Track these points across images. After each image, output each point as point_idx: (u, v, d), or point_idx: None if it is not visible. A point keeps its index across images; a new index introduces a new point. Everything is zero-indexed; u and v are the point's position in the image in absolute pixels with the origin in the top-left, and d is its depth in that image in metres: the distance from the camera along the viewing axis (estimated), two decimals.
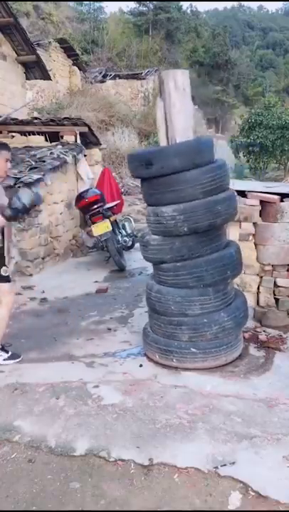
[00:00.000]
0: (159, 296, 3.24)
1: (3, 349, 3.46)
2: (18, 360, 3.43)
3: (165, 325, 3.27)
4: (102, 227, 5.99)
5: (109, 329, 4.16)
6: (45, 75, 11.41)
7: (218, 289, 3.21)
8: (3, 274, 3.35)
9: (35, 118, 8.41)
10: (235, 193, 3.45)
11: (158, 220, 3.15)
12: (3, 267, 3.37)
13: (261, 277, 4.08)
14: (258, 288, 4.10)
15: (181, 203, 3.05)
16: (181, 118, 3.18)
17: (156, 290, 3.28)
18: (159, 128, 3.26)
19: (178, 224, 3.06)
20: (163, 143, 3.26)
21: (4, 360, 3.39)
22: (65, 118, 8.00)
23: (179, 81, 3.17)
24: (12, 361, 3.40)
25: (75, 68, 18.48)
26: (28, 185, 4.76)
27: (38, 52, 11.18)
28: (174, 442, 2.39)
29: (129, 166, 3.34)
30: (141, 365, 3.33)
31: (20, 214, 3.31)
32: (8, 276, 3.40)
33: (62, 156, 6.87)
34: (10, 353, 3.45)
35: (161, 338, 3.30)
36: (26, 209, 3.35)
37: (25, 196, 3.33)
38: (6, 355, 3.42)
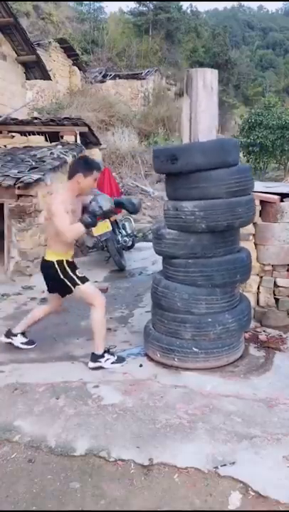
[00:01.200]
0: (166, 291, 3.24)
1: (109, 351, 3.38)
2: (124, 363, 3.35)
3: (169, 321, 3.28)
4: (102, 227, 5.99)
5: (109, 329, 4.15)
6: (45, 75, 11.40)
7: (226, 290, 3.22)
8: (79, 275, 3.33)
9: (35, 118, 8.40)
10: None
11: (177, 214, 3.16)
12: (78, 269, 3.37)
13: (261, 277, 4.08)
14: (258, 288, 4.10)
15: (203, 200, 3.07)
16: (206, 117, 3.19)
17: (164, 285, 3.29)
18: (183, 126, 3.26)
19: (197, 220, 3.07)
20: (186, 141, 3.27)
21: (112, 363, 3.31)
22: (65, 118, 8.00)
23: (208, 80, 3.17)
24: (120, 365, 3.33)
25: (75, 68, 18.48)
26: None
27: (38, 52, 11.17)
28: (174, 442, 2.39)
29: (154, 161, 3.33)
30: (141, 365, 3.33)
31: (96, 219, 3.28)
32: (84, 276, 3.36)
33: (62, 156, 6.87)
34: (116, 356, 3.38)
35: (163, 336, 3.30)
36: (103, 213, 3.31)
37: (103, 202, 3.28)
38: (113, 359, 3.34)
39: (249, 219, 3.31)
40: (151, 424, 2.56)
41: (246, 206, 3.17)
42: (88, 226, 3.23)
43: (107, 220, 6.08)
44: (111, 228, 6.07)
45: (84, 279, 3.33)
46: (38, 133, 7.75)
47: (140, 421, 2.59)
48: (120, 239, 6.53)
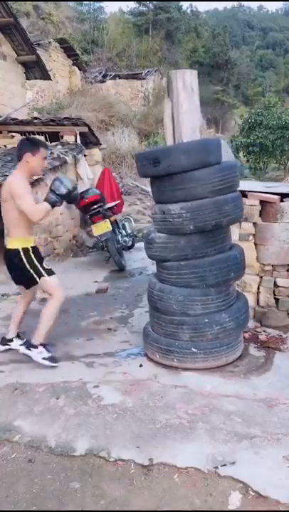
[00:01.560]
0: (161, 294, 3.24)
1: (46, 347, 3.34)
2: (55, 364, 3.28)
3: (166, 324, 3.27)
4: (102, 227, 6.00)
5: (109, 329, 4.16)
6: (45, 75, 11.41)
7: (221, 290, 3.21)
8: (46, 267, 3.29)
9: (35, 118, 8.41)
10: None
11: (164, 217, 3.15)
12: (44, 261, 3.32)
13: (261, 277, 4.08)
14: (258, 288, 4.10)
15: (189, 201, 3.06)
16: (188, 118, 3.18)
17: (159, 288, 3.28)
18: (166, 128, 3.25)
19: (184, 222, 3.06)
20: (170, 143, 3.26)
21: (43, 359, 3.27)
22: (65, 118, 8.00)
23: (188, 81, 3.17)
24: (49, 363, 3.27)
25: (75, 68, 18.50)
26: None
27: (38, 52, 11.19)
28: (174, 442, 2.39)
29: (137, 165, 3.33)
30: (141, 365, 3.33)
31: (63, 200, 3.26)
32: (51, 268, 3.33)
33: (62, 156, 6.87)
34: (51, 354, 3.33)
35: (161, 338, 3.30)
36: (69, 195, 3.30)
37: (66, 181, 3.28)
38: (46, 355, 3.30)
39: (237, 216, 3.29)
40: (151, 424, 2.56)
41: (233, 204, 3.15)
42: (54, 205, 3.21)
43: (107, 220, 6.08)
44: (111, 228, 6.07)
45: (50, 272, 3.31)
46: (38, 133, 7.75)
47: (140, 421, 2.59)
48: (120, 239, 6.53)
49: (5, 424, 2.60)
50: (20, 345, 3.64)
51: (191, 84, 3.18)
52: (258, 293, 4.11)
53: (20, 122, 7.87)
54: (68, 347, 3.75)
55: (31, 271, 3.26)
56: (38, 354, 3.28)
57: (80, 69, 18.95)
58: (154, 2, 31.11)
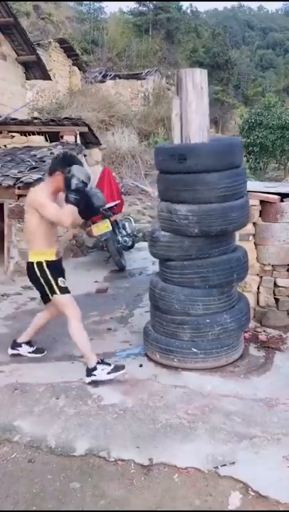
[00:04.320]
0: (163, 293, 3.24)
1: (102, 362, 3.11)
2: (122, 371, 3.08)
3: (167, 323, 3.27)
4: (102, 227, 6.00)
5: (109, 329, 4.16)
6: (45, 75, 11.39)
7: (223, 290, 3.21)
8: (60, 284, 3.20)
9: (35, 118, 8.41)
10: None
11: (170, 217, 3.14)
12: (60, 278, 3.23)
13: (261, 277, 4.08)
14: (258, 288, 4.10)
15: (196, 204, 3.04)
16: (197, 117, 3.19)
17: (161, 287, 3.28)
18: (174, 126, 3.25)
19: (190, 225, 3.05)
20: (177, 142, 3.25)
21: (108, 373, 3.03)
22: (65, 118, 8.00)
23: (197, 80, 3.17)
24: (115, 373, 3.05)
25: (75, 68, 18.50)
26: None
27: (38, 52, 11.16)
28: (174, 442, 2.39)
29: (157, 159, 3.27)
30: (141, 365, 3.33)
31: (81, 194, 3.06)
32: (66, 287, 3.23)
33: None
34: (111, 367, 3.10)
35: (162, 337, 3.30)
36: (84, 185, 3.07)
37: (79, 172, 3.05)
38: (110, 368, 3.06)
39: (243, 223, 3.28)
40: (151, 424, 2.56)
41: (240, 211, 3.14)
42: (76, 203, 3.03)
43: (107, 220, 6.08)
44: (111, 228, 6.07)
45: (65, 290, 3.23)
46: (38, 133, 7.75)
47: (140, 421, 2.59)
48: (120, 239, 6.52)
49: (5, 424, 2.60)
50: (29, 352, 3.57)
51: (201, 84, 3.18)
52: (258, 293, 4.11)
53: (20, 122, 7.86)
54: (68, 347, 3.74)
55: (45, 286, 3.19)
56: (102, 372, 3.06)
57: (80, 69, 18.94)
58: (154, 2, 31.08)
